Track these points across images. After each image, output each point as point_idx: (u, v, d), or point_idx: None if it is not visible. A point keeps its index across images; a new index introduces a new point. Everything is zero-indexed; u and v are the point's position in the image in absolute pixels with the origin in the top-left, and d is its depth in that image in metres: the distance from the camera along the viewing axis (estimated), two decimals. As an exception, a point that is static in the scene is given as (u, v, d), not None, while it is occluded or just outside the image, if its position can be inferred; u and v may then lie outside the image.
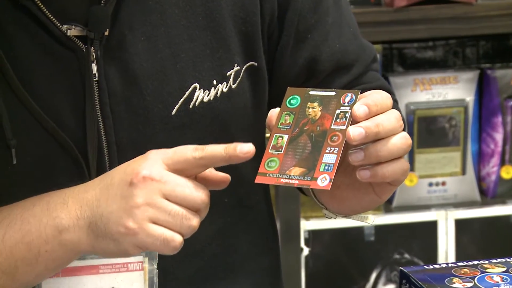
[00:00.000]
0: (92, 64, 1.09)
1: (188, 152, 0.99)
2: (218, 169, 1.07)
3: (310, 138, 0.99)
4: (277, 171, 0.98)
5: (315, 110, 1.01)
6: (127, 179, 0.99)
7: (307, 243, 1.88)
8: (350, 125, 0.98)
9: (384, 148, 1.00)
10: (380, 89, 1.17)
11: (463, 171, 1.95)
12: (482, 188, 1.98)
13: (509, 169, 1.96)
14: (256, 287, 1.24)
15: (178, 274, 1.16)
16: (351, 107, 0.99)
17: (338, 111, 1.00)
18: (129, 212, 0.99)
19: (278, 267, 1.30)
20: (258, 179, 0.98)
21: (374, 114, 1.00)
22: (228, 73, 1.15)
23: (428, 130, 1.93)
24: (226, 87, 1.15)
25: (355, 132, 0.97)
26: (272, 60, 1.20)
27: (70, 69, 1.09)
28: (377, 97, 1.02)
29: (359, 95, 1.01)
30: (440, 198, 1.96)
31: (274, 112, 1.03)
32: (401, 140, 1.01)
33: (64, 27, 1.08)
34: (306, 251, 1.88)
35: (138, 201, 0.99)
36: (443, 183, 1.95)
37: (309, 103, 1.02)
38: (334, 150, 0.97)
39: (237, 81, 1.16)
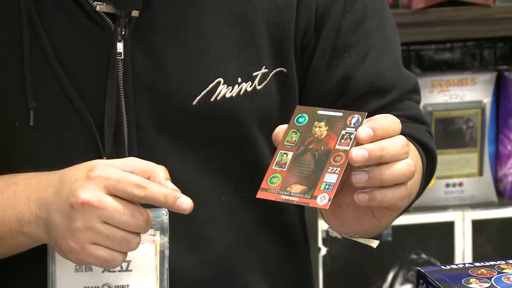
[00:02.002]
0: (119, 43, 1.09)
1: (129, 187, 0.99)
2: (251, 155, 1.14)
3: (314, 157, 0.99)
4: (278, 187, 0.98)
5: (321, 129, 1.01)
6: (69, 200, 1.01)
7: (324, 243, 1.89)
8: (354, 146, 0.98)
9: (388, 172, 0.99)
10: (413, 119, 1.25)
11: (480, 172, 1.95)
12: (499, 189, 1.97)
13: None
14: (271, 283, 1.23)
15: (194, 271, 1.15)
16: (356, 128, 0.99)
17: (343, 132, 0.99)
18: (71, 233, 1.00)
19: (307, 276, 1.30)
20: (260, 194, 0.98)
21: (379, 137, 0.99)
22: (254, 74, 1.15)
23: (445, 131, 1.93)
24: (250, 86, 1.14)
25: (358, 153, 0.96)
26: (306, 71, 1.20)
27: (98, 45, 1.10)
28: (385, 121, 1.01)
29: (366, 118, 1.01)
30: (457, 199, 1.95)
31: (281, 129, 1.03)
32: (406, 166, 1.00)
33: (95, 3, 1.08)
34: (323, 251, 1.88)
35: (77, 225, 1.00)
36: (460, 184, 1.95)
37: (316, 122, 1.02)
38: (336, 170, 0.97)
39: (263, 83, 1.15)
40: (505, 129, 1.94)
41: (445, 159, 1.93)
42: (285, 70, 1.17)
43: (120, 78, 1.10)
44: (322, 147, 1.00)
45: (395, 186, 1.00)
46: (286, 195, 0.98)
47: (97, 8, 1.09)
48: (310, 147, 1.00)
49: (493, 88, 1.92)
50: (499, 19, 1.83)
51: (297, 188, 0.97)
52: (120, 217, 0.99)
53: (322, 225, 1.87)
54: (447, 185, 1.94)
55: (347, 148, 0.97)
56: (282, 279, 1.25)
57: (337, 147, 0.98)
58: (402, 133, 1.11)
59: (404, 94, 1.24)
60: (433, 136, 1.27)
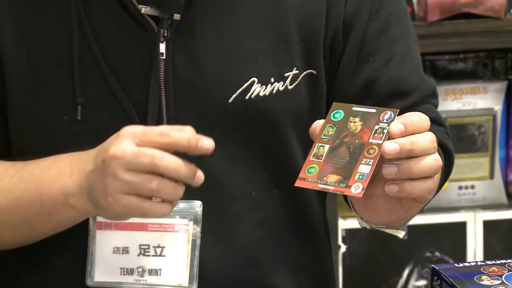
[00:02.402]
0: (161, 44, 1.09)
1: (153, 136, 1.00)
2: (288, 160, 1.13)
3: (349, 150, 1.00)
4: (315, 177, 0.99)
5: (356, 124, 1.01)
6: (102, 159, 1.01)
7: (344, 241, 1.88)
8: (387, 140, 0.99)
9: (417, 166, 0.99)
10: (433, 121, 1.19)
11: (491, 176, 1.95)
12: (509, 191, 1.97)
13: None
14: (296, 277, 1.23)
15: (222, 261, 1.14)
16: (389, 124, 1.00)
17: (377, 127, 1.00)
18: (104, 187, 1.01)
19: (329, 270, 1.29)
20: (298, 183, 0.99)
21: (410, 133, 1.00)
22: (286, 74, 1.14)
23: (458, 137, 1.93)
24: (282, 86, 1.14)
25: (390, 146, 0.97)
26: (333, 74, 1.19)
27: (141, 46, 1.10)
28: (415, 117, 1.02)
29: (397, 114, 1.02)
30: (469, 200, 1.95)
31: (318, 123, 1.03)
32: (433, 161, 1.00)
33: (140, 6, 1.08)
34: (343, 248, 1.89)
35: (107, 177, 1.00)
36: (472, 187, 1.95)
37: (351, 117, 1.02)
38: (369, 161, 0.98)
39: (294, 84, 1.15)
40: None
41: (458, 163, 1.82)
42: (314, 72, 1.17)
43: (162, 77, 1.10)
44: (357, 140, 1.00)
45: (423, 179, 1.01)
46: (323, 184, 0.99)
47: (142, 11, 1.09)
48: (345, 140, 1.01)
49: (503, 96, 1.91)
50: (509, 31, 1.83)
51: (333, 178, 0.98)
52: (141, 160, 0.98)
53: (342, 224, 1.88)
54: (460, 188, 1.94)
55: (380, 141, 0.98)
56: (305, 273, 1.24)
57: (370, 140, 0.99)
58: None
59: (423, 98, 1.23)
60: (451, 138, 1.27)
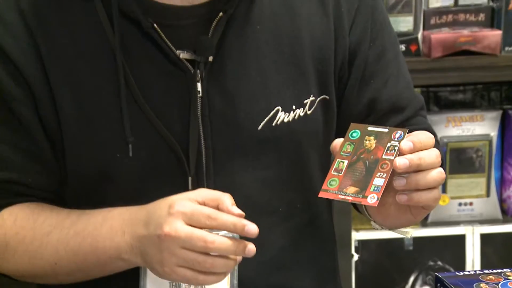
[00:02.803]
0: (198, 83, 1.09)
1: (202, 219, 0.98)
2: (302, 175, 1.14)
3: (365, 165, 1.00)
4: (336, 188, 1.00)
5: (371, 142, 1.02)
6: (157, 233, 0.99)
7: (357, 250, 1.87)
8: (398, 156, 0.99)
9: (423, 178, 0.99)
10: (425, 131, 1.19)
11: (488, 194, 1.93)
12: (504, 208, 1.95)
13: None
14: (316, 281, 1.22)
15: (254, 270, 1.13)
16: (399, 142, 1.00)
17: (389, 144, 1.01)
18: (161, 260, 0.99)
19: (334, 268, 1.28)
20: (321, 194, 1.00)
21: (418, 149, 1.00)
22: (305, 101, 1.14)
23: (458, 159, 1.91)
24: (302, 112, 1.14)
25: (401, 162, 0.98)
26: (341, 97, 1.19)
27: (180, 86, 1.09)
28: (422, 136, 1.02)
29: (407, 133, 1.02)
30: (468, 216, 1.93)
31: (338, 142, 1.03)
32: (438, 174, 1.01)
33: (178, 51, 1.08)
34: (356, 257, 1.87)
35: (164, 252, 0.99)
36: (471, 203, 1.93)
37: (366, 136, 1.02)
38: (382, 175, 0.98)
39: (312, 109, 1.15)
40: (509, 158, 1.92)
41: (458, 182, 1.92)
42: (327, 97, 1.17)
43: (199, 112, 1.10)
44: (372, 156, 1.01)
45: (429, 189, 1.01)
46: (343, 195, 0.99)
47: (181, 56, 1.09)
48: (361, 156, 1.02)
49: (498, 124, 1.90)
50: (504, 67, 1.81)
51: (352, 189, 0.99)
52: (192, 242, 0.97)
53: (355, 236, 1.88)
54: (459, 204, 1.92)
55: (392, 157, 0.99)
56: (321, 272, 1.24)
57: (384, 156, 1.00)
58: None
59: (416, 111, 1.24)
60: (439, 144, 1.26)
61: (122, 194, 1.10)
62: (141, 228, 1.02)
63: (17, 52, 1.07)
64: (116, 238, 1.04)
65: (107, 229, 1.05)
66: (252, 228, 0.98)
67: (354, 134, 1.04)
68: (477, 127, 1.90)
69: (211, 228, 0.99)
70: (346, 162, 1.02)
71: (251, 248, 0.99)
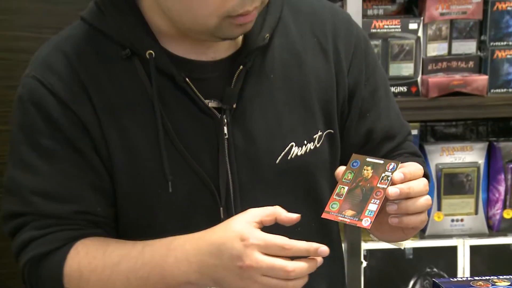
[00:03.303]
0: (224, 127, 1.08)
1: (277, 250, 0.95)
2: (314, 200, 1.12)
3: (362, 191, 0.99)
4: (337, 211, 0.99)
5: (368, 172, 1.01)
6: (237, 264, 0.95)
7: (365, 258, 1.86)
8: (390, 185, 0.98)
9: (412, 205, 0.99)
10: (413, 155, 1.22)
11: (476, 212, 1.92)
12: (490, 224, 1.95)
13: (509, 212, 1.92)
14: (330, 286, 1.21)
15: None
16: (392, 173, 0.99)
17: (383, 175, 0.99)
18: (244, 285, 0.96)
19: (343, 273, 1.28)
20: (324, 215, 0.99)
21: (408, 180, 0.99)
22: (314, 136, 1.13)
23: (451, 183, 1.91)
24: (312, 145, 1.13)
25: (393, 191, 0.97)
26: (343, 129, 1.18)
27: (209, 130, 1.08)
28: (412, 168, 1.01)
29: (399, 165, 1.01)
30: (459, 230, 1.93)
31: (341, 169, 1.03)
32: (425, 201, 1.00)
33: (206, 101, 1.07)
34: (364, 264, 1.86)
35: (246, 280, 0.95)
36: (462, 220, 1.92)
37: (365, 166, 1.01)
38: (376, 201, 0.97)
39: (320, 142, 1.14)
40: (494, 182, 1.92)
41: (451, 202, 1.91)
42: (332, 131, 1.16)
43: (226, 151, 1.08)
44: (368, 184, 0.99)
45: (417, 214, 1.00)
46: (342, 217, 0.98)
47: (209, 105, 1.08)
48: (360, 184, 1.00)
49: (485, 153, 1.90)
50: (490, 106, 1.82)
51: (349, 212, 0.98)
52: (274, 272, 0.94)
53: (364, 246, 1.85)
54: (452, 220, 1.92)
55: (385, 186, 0.98)
56: (334, 277, 1.23)
57: (378, 185, 0.99)
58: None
59: (405, 137, 1.23)
60: (425, 164, 1.23)
61: (164, 224, 1.08)
62: (211, 259, 0.98)
63: (74, 102, 1.05)
64: (182, 267, 1.00)
65: (172, 260, 1.01)
66: (324, 250, 0.96)
67: (354, 164, 1.03)
68: (467, 156, 1.89)
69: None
70: (346, 188, 1.00)
71: (323, 250, 0.96)
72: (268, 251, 0.94)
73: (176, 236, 1.02)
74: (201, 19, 1.00)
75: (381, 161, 1.01)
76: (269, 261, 0.94)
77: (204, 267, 0.98)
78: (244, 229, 0.95)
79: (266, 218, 0.97)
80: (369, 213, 0.97)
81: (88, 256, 1.05)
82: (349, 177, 1.01)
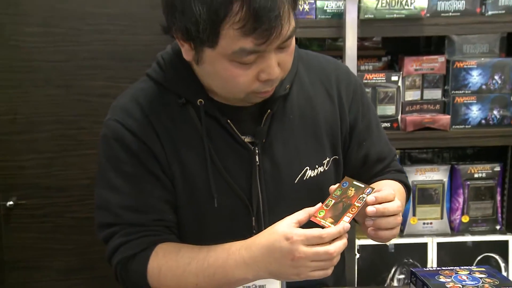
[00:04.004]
0: (256, 156, 1.06)
1: (317, 239, 0.91)
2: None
3: (343, 206, 0.97)
4: (321, 217, 0.96)
5: (351, 192, 0.99)
6: (290, 257, 0.92)
7: (358, 251, 1.87)
8: (366, 205, 0.95)
9: (385, 222, 0.97)
10: (399, 171, 1.20)
11: (442, 217, 1.93)
12: (452, 226, 1.96)
13: (466, 217, 1.93)
14: (334, 275, 1.16)
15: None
16: (367, 195, 0.97)
17: (360, 196, 0.97)
18: (296, 272, 0.93)
19: (344, 263, 1.27)
20: (311, 219, 0.96)
21: (379, 202, 0.95)
22: (323, 162, 1.12)
23: (423, 195, 1.92)
24: (322, 169, 1.11)
25: (370, 209, 0.95)
26: (345, 155, 1.16)
27: (245, 159, 1.07)
28: (385, 193, 0.97)
29: (375, 190, 0.98)
30: (429, 231, 1.93)
31: (333, 187, 1.01)
32: (395, 220, 0.97)
33: (243, 137, 1.06)
34: (358, 255, 1.87)
35: (299, 267, 0.92)
36: (431, 223, 1.93)
37: (351, 187, 0.99)
38: (350, 215, 0.95)
39: (328, 166, 1.12)
40: (455, 195, 1.93)
41: (423, 209, 1.91)
42: (337, 157, 1.14)
43: (257, 175, 1.07)
44: (348, 201, 0.97)
45: (390, 229, 0.98)
46: (323, 222, 0.94)
47: (245, 140, 1.06)
48: (343, 200, 0.97)
49: (448, 173, 1.91)
50: (452, 138, 1.81)
51: (329, 220, 0.95)
52: (319, 256, 0.92)
53: (357, 242, 1.84)
54: (424, 223, 1.92)
55: (359, 205, 0.95)
56: (336, 268, 1.07)
57: (355, 203, 0.96)
58: (397, 179, 1.14)
59: (392, 159, 1.21)
60: (407, 178, 1.21)
61: (210, 229, 1.07)
62: (264, 258, 0.94)
63: (146, 138, 1.04)
64: (241, 269, 0.97)
65: (232, 263, 0.98)
66: (348, 226, 0.92)
67: (344, 184, 1.00)
68: (435, 175, 1.91)
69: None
70: (333, 201, 0.97)
71: (348, 226, 0.92)
72: (310, 243, 0.91)
73: (233, 243, 0.99)
74: (233, 94, 1.00)
75: (362, 185, 0.98)
76: (314, 250, 0.90)
77: (259, 266, 0.95)
78: (286, 230, 0.92)
79: (301, 217, 0.95)
80: (342, 223, 0.94)
81: (165, 257, 1.03)
82: (338, 193, 0.99)
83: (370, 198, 0.96)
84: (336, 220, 0.94)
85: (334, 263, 0.93)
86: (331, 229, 0.92)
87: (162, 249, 1.05)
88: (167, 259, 1.03)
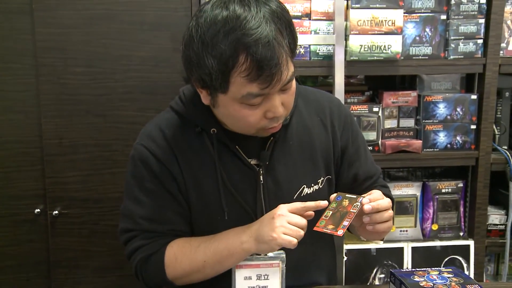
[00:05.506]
0: (260, 176, 1.05)
1: (299, 208, 0.95)
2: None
3: (340, 214, 0.96)
4: (323, 226, 0.95)
5: (346, 202, 0.99)
6: (271, 216, 0.95)
7: (346, 255, 1.86)
8: (358, 211, 0.96)
9: (379, 216, 0.98)
10: (384, 186, 1.19)
11: (415, 225, 1.92)
12: (424, 233, 1.94)
13: (435, 225, 1.91)
14: (327, 275, 1.18)
15: (289, 266, 1.07)
16: (360, 203, 0.97)
17: (354, 204, 0.98)
18: (273, 229, 0.94)
19: (335, 265, 1.25)
20: (315, 228, 0.96)
21: (374, 201, 0.97)
22: (318, 181, 1.11)
23: (400, 207, 1.91)
24: (317, 187, 1.11)
25: (367, 206, 0.96)
26: (337, 175, 1.15)
27: (251, 178, 1.06)
28: (376, 194, 0.99)
29: (367, 193, 0.99)
30: (405, 237, 1.92)
31: (332, 198, 1.01)
32: (388, 214, 0.99)
33: (249, 159, 1.05)
34: (345, 258, 1.86)
35: (277, 224, 0.94)
36: (406, 230, 1.92)
37: (344, 199, 0.99)
38: (348, 220, 0.95)
39: (322, 184, 1.11)
40: (426, 207, 1.91)
41: (400, 219, 1.90)
42: (330, 176, 1.12)
43: (261, 192, 1.05)
44: (345, 210, 0.97)
45: (384, 222, 0.98)
46: (326, 229, 0.94)
47: (251, 162, 1.05)
48: (339, 210, 0.97)
49: (421, 189, 1.90)
50: (423, 159, 1.81)
51: (330, 226, 0.94)
52: (296, 219, 0.94)
53: (345, 246, 1.82)
54: (400, 231, 1.92)
55: (355, 211, 0.96)
56: (330, 270, 1.19)
57: (351, 210, 0.96)
58: (383, 192, 1.06)
59: (378, 176, 1.19)
60: (390, 191, 1.20)
61: None
62: (254, 227, 0.96)
63: (167, 161, 1.03)
64: (239, 236, 0.99)
65: (232, 234, 1.00)
66: (325, 203, 0.94)
67: (338, 198, 1.00)
68: (409, 190, 1.91)
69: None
70: (331, 212, 0.97)
71: (324, 203, 0.94)
72: (292, 208, 0.93)
73: (234, 228, 1.01)
74: (245, 131, 1.00)
75: (355, 196, 0.99)
76: (292, 214, 0.93)
77: (251, 232, 0.97)
78: (274, 211, 0.95)
79: (296, 205, 0.95)
80: (343, 226, 0.94)
81: (179, 246, 1.04)
82: (334, 206, 0.99)
83: (365, 200, 0.96)
84: (337, 225, 0.93)
85: (301, 235, 0.93)
86: (310, 203, 0.94)
87: (175, 242, 1.05)
88: (181, 248, 1.03)
